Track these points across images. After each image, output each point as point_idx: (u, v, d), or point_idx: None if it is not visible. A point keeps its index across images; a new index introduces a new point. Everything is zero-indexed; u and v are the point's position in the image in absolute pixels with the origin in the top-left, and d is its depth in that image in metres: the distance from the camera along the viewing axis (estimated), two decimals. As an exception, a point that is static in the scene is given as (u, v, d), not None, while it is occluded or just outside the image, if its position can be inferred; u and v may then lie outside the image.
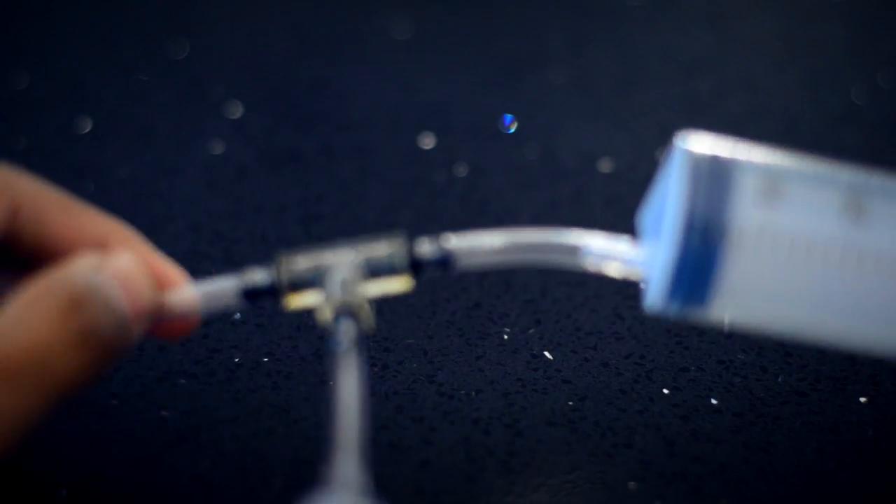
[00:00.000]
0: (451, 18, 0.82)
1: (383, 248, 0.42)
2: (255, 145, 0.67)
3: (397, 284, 0.42)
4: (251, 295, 0.41)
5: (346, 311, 0.40)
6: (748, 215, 0.41)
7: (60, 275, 0.40)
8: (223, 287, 0.42)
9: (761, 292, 0.42)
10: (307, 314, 0.54)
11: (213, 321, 0.53)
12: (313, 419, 0.48)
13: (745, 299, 0.42)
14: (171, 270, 0.44)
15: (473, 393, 0.49)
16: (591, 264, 0.42)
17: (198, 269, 0.57)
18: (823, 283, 0.41)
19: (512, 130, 0.69)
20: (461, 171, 0.65)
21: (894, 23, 0.82)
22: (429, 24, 0.80)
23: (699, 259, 0.41)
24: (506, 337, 0.52)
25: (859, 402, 0.49)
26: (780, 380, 0.50)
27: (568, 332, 0.53)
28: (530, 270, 0.57)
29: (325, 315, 0.40)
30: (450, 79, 0.75)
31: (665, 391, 0.49)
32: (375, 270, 0.42)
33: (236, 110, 0.70)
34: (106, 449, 0.46)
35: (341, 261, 0.41)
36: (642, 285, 0.42)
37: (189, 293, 0.43)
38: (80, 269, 0.40)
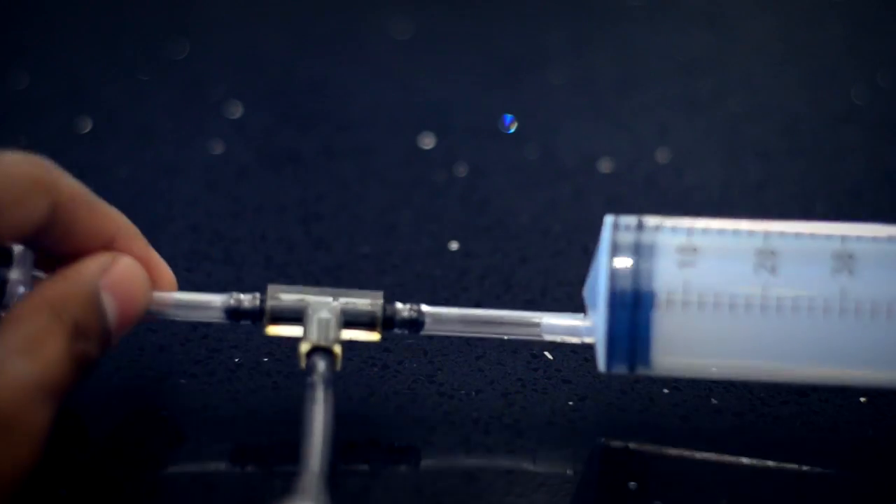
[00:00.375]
0: (451, 18, 0.82)
1: (362, 302, 0.46)
2: (255, 145, 0.67)
3: (367, 336, 0.47)
4: (234, 314, 0.46)
5: (320, 349, 0.45)
6: (670, 279, 0.45)
7: (68, 294, 0.41)
8: (211, 301, 0.46)
9: (697, 346, 0.45)
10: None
11: (213, 322, 0.53)
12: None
13: (685, 354, 0.45)
14: (165, 273, 0.46)
15: (473, 393, 0.49)
16: (549, 337, 0.47)
17: (198, 268, 0.57)
18: (748, 330, 0.45)
19: (512, 130, 0.69)
20: (461, 171, 0.65)
21: (894, 23, 0.82)
22: (429, 24, 0.80)
23: (629, 328, 0.45)
24: (506, 337, 0.52)
25: (859, 402, 0.49)
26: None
27: (568, 332, 0.52)
28: (530, 270, 0.57)
29: (302, 350, 0.45)
30: (450, 79, 0.75)
31: (665, 391, 0.49)
32: (350, 319, 0.46)
33: (236, 110, 0.70)
34: (106, 449, 0.46)
35: (322, 303, 0.46)
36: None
37: (169, 298, 0.46)
38: (87, 287, 0.41)
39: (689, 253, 0.45)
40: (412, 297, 0.52)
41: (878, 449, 0.47)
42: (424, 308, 0.47)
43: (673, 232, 0.46)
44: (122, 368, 0.50)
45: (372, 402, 0.49)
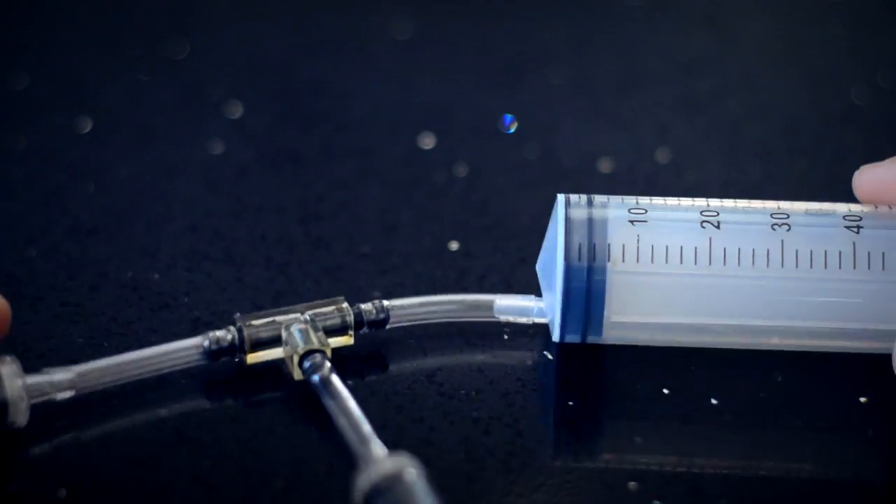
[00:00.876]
0: (451, 18, 0.82)
1: (329, 310, 0.49)
2: (254, 145, 0.67)
3: (340, 340, 0.49)
4: (215, 355, 0.48)
5: (312, 352, 0.47)
6: (624, 234, 0.48)
7: None
8: (188, 345, 0.48)
9: (650, 303, 0.48)
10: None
11: (213, 322, 0.53)
12: (313, 419, 0.48)
13: (639, 313, 0.48)
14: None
15: (474, 393, 0.49)
16: (504, 317, 0.51)
17: (197, 269, 0.57)
18: (696, 287, 0.48)
19: (512, 130, 0.69)
20: (461, 171, 0.65)
21: (894, 23, 0.82)
22: (429, 24, 0.80)
23: (583, 298, 0.48)
24: (506, 337, 0.52)
25: (859, 402, 0.49)
26: (779, 380, 0.50)
27: (568, 332, 0.52)
28: (530, 271, 0.57)
29: (293, 363, 0.47)
30: (450, 79, 0.75)
31: (665, 391, 0.49)
32: (322, 328, 0.49)
33: (236, 110, 0.70)
34: (106, 449, 0.46)
35: (293, 319, 0.48)
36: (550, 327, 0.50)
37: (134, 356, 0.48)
38: None
39: (640, 213, 0.48)
40: (412, 297, 0.52)
41: (878, 449, 0.47)
42: (386, 303, 0.50)
43: (622, 201, 0.49)
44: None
45: (372, 403, 0.49)
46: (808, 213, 0.48)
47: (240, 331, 0.48)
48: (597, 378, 0.50)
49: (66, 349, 0.50)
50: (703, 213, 0.48)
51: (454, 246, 0.58)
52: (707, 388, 0.49)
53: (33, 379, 0.45)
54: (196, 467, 0.45)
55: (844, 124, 0.70)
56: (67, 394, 0.46)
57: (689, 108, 0.71)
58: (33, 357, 0.50)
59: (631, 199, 0.49)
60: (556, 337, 0.49)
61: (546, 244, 0.50)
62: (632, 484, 0.45)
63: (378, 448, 0.43)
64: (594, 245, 0.47)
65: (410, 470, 0.41)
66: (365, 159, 0.66)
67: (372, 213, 0.61)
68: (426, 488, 0.41)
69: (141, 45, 0.77)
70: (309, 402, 0.49)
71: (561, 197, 0.49)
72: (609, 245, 0.47)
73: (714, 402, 0.49)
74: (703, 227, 0.48)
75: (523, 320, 0.51)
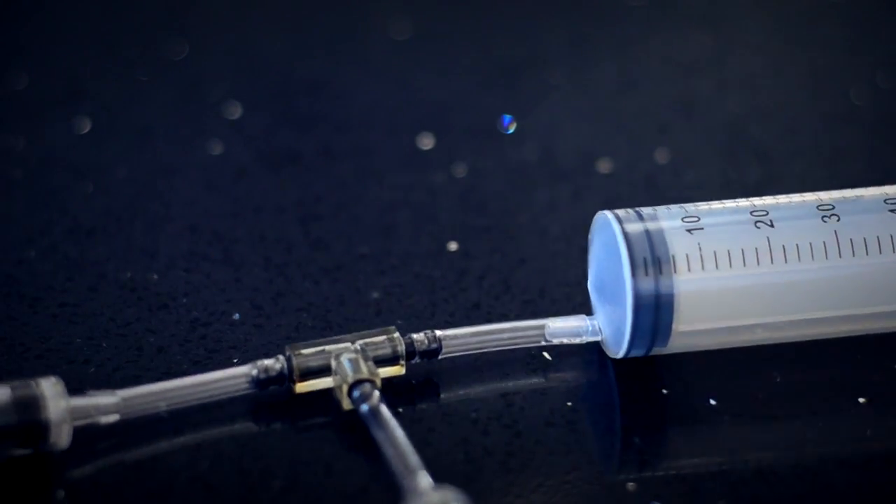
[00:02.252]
0: (451, 18, 0.82)
1: (379, 339, 0.49)
2: (254, 146, 0.67)
3: (391, 370, 0.48)
4: (263, 384, 0.48)
5: (361, 381, 0.47)
6: (684, 243, 0.48)
7: None
8: (236, 374, 0.47)
9: (717, 309, 0.48)
10: (305, 315, 0.54)
11: (212, 322, 0.53)
12: (312, 419, 0.48)
13: (706, 319, 0.48)
14: None
15: (473, 393, 0.49)
16: (556, 340, 0.50)
17: (196, 269, 0.57)
18: (760, 287, 0.48)
19: (511, 130, 0.69)
20: (461, 171, 0.65)
21: (894, 23, 0.82)
22: (428, 24, 0.80)
23: (652, 311, 0.47)
24: (514, 346, 0.52)
25: (859, 402, 0.49)
26: (779, 380, 0.50)
27: (567, 332, 0.52)
28: (530, 271, 0.57)
29: (342, 393, 0.47)
30: (449, 79, 0.75)
31: (664, 391, 0.49)
32: (372, 358, 0.48)
33: (235, 111, 0.70)
34: (105, 449, 0.46)
35: (343, 349, 0.48)
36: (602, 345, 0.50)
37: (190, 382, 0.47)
38: None
39: (693, 220, 0.48)
40: (411, 297, 0.52)
41: (878, 449, 0.47)
42: (439, 333, 0.49)
43: (670, 210, 0.49)
44: (121, 368, 0.50)
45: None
46: (848, 199, 0.50)
47: (289, 360, 0.47)
48: (595, 378, 0.50)
49: (64, 350, 0.50)
50: (753, 214, 0.49)
51: (453, 246, 0.59)
52: (706, 389, 0.49)
53: (77, 401, 0.45)
54: (195, 467, 0.45)
55: (844, 124, 0.70)
56: (112, 418, 0.45)
57: (688, 107, 0.71)
58: (32, 357, 0.50)
59: (677, 208, 0.49)
60: (620, 354, 0.49)
61: (597, 263, 0.50)
62: (630, 484, 0.45)
63: (425, 480, 0.43)
64: (658, 257, 0.47)
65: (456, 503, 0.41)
66: (364, 160, 0.66)
67: (371, 213, 0.61)
68: None
69: (140, 45, 0.77)
70: (308, 402, 0.49)
71: (608, 213, 0.49)
72: (673, 256, 0.47)
73: (713, 402, 0.49)
74: (758, 227, 0.48)
75: (577, 341, 0.51)
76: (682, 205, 0.50)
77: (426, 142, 0.67)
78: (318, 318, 0.54)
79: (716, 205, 0.50)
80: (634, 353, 0.49)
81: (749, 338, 0.50)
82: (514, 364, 0.50)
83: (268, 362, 0.47)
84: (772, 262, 0.48)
